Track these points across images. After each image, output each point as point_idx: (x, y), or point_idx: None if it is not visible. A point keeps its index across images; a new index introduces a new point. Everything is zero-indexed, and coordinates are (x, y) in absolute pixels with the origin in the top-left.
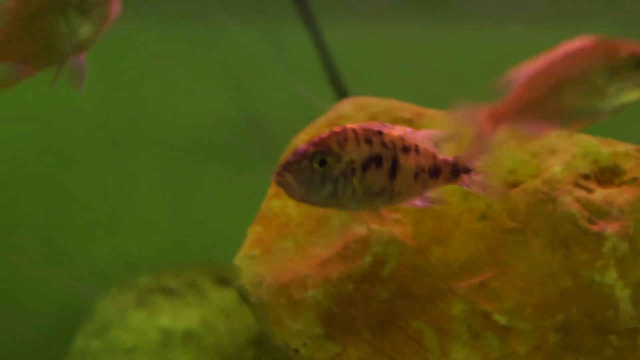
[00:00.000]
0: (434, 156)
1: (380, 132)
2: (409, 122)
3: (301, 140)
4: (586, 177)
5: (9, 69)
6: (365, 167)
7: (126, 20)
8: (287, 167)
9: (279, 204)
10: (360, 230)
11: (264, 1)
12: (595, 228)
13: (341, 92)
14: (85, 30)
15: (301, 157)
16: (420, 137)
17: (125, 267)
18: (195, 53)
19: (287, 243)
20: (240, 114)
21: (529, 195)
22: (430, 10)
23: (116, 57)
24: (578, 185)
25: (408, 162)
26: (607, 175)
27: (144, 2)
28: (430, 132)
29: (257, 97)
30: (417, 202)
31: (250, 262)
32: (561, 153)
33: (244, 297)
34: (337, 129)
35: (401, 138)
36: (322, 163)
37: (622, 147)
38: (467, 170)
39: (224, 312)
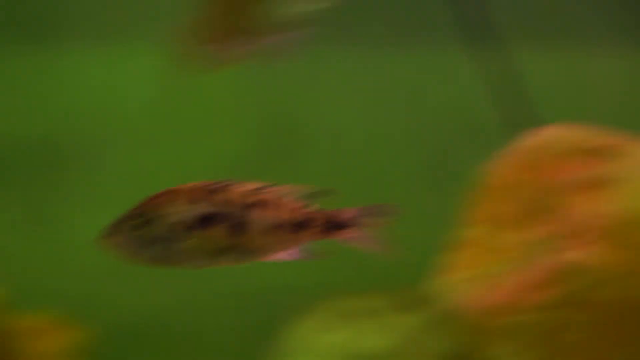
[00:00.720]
0: (298, 210)
1: (219, 190)
2: (609, 150)
3: (498, 166)
4: None
5: (215, 50)
6: (195, 227)
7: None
8: (111, 229)
9: (479, 230)
10: (567, 256)
11: (451, 26)
12: None
13: (532, 119)
14: (286, 8)
15: (120, 220)
16: (282, 191)
17: (313, 290)
18: (368, 78)
19: (489, 268)
20: (421, 139)
21: None
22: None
23: (296, 80)
24: None
25: (259, 218)
26: None
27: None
28: (295, 186)
29: (445, 122)
30: (287, 256)
31: (453, 286)
32: None
33: (440, 321)
34: (165, 190)
35: (251, 194)
36: (141, 226)
37: None
38: (345, 225)
39: (421, 334)
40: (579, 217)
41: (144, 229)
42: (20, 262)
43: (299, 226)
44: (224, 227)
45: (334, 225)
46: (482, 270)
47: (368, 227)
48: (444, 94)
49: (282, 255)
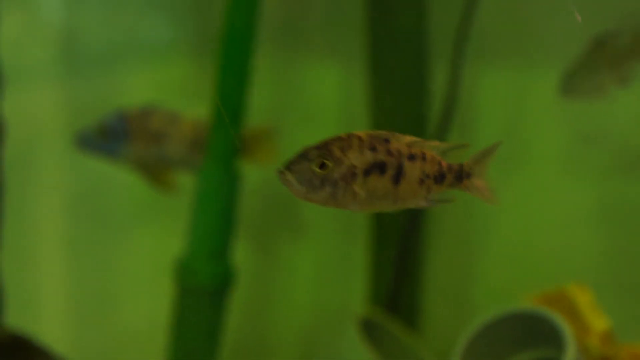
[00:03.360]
0: (440, 163)
1: (387, 140)
2: None
3: None
4: None
5: None
6: (367, 172)
7: None
8: (290, 166)
9: None
10: None
11: None
12: None
13: None
14: None
15: (303, 158)
16: (429, 146)
17: None
18: None
19: None
20: None
21: None
22: None
23: None
24: None
25: (413, 169)
26: None
27: None
28: (439, 143)
29: None
30: (422, 203)
31: None
32: None
33: None
34: (343, 135)
35: (408, 147)
36: (323, 166)
37: None
38: (468, 175)
39: None
40: None
41: (321, 170)
42: None
43: (439, 178)
44: (389, 175)
45: (462, 176)
46: None
47: (478, 177)
48: None
49: (420, 203)
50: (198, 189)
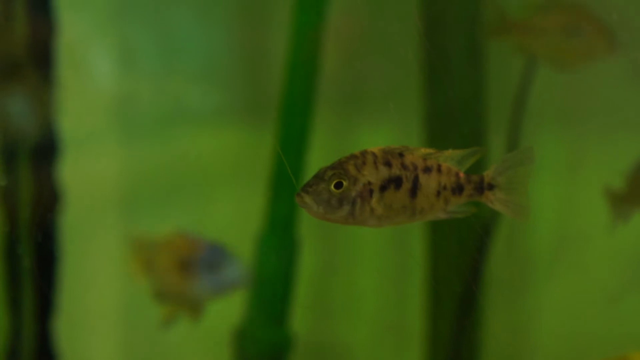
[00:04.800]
0: (457, 174)
1: (401, 155)
2: None
3: None
4: None
5: None
6: (383, 188)
7: None
8: (306, 188)
9: None
10: None
11: None
12: None
13: None
14: None
15: (319, 179)
16: (444, 157)
17: None
18: None
19: None
20: None
21: None
22: None
23: None
24: None
25: (429, 182)
26: None
27: None
28: (454, 151)
29: None
30: (441, 215)
31: None
32: None
33: None
34: (357, 153)
35: (423, 159)
36: (339, 185)
37: None
38: (491, 187)
39: None
40: None
41: (337, 189)
42: None
43: (456, 189)
44: (405, 189)
45: (482, 188)
46: None
47: (502, 190)
48: None
49: (439, 215)
50: (257, 255)
